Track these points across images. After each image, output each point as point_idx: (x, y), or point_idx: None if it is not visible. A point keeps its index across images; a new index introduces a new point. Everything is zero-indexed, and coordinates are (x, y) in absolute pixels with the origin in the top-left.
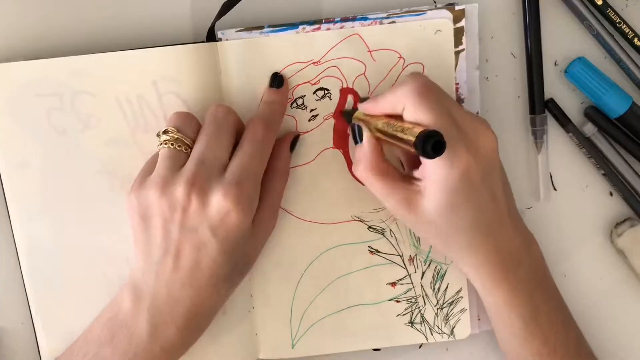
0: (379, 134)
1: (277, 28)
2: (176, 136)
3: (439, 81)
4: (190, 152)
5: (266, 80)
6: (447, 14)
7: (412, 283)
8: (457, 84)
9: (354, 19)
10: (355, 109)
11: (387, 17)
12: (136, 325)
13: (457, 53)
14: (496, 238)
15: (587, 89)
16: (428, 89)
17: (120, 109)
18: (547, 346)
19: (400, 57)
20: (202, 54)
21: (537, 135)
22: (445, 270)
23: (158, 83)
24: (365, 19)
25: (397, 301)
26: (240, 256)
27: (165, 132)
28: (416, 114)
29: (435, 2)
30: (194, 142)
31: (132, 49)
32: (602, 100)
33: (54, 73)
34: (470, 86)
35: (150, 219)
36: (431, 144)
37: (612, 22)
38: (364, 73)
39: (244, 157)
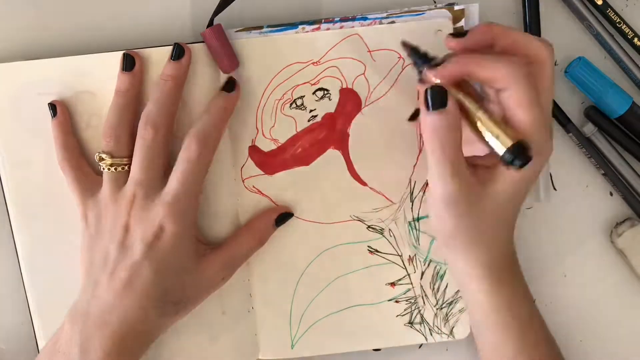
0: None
1: (277, 28)
2: (110, 161)
3: None
4: (127, 169)
5: (266, 80)
6: (446, 14)
7: (411, 283)
8: None
9: (353, 19)
10: (425, 54)
11: (386, 17)
12: (70, 350)
13: None
14: (510, 234)
15: (587, 89)
16: (535, 78)
17: None
18: (538, 350)
19: (400, 57)
20: (201, 54)
21: None
22: (445, 270)
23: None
24: (365, 19)
25: (397, 301)
26: (174, 285)
27: (101, 159)
28: (521, 108)
29: (435, 2)
30: (128, 158)
31: (133, 48)
32: (602, 100)
33: (56, 73)
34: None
35: (97, 239)
36: (520, 159)
37: (612, 22)
38: (364, 73)
39: (177, 178)
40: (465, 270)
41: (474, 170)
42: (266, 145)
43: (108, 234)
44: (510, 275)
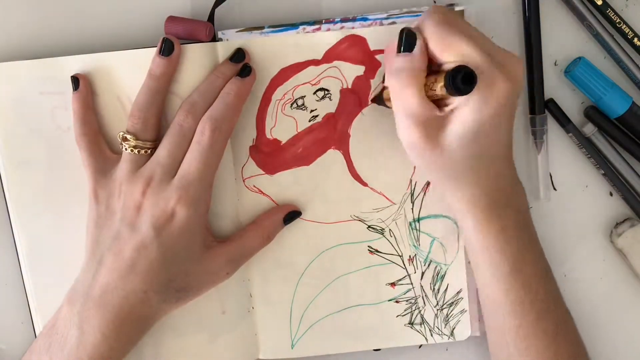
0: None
1: (277, 28)
2: (134, 143)
3: None
4: (149, 152)
5: (267, 80)
6: None
7: (411, 283)
8: None
9: (354, 19)
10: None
11: (387, 18)
12: (67, 331)
13: None
14: (497, 173)
15: (587, 89)
16: (449, 18)
17: (122, 108)
18: (530, 294)
19: None
20: (202, 54)
21: (537, 135)
22: (446, 271)
23: None
24: (366, 19)
25: (397, 302)
26: (178, 271)
27: (125, 139)
28: (441, 46)
29: (435, 2)
30: (152, 142)
31: (134, 48)
32: (602, 100)
33: (58, 72)
34: None
35: (106, 218)
36: (461, 77)
37: (612, 22)
38: (364, 73)
39: (190, 162)
40: (453, 206)
41: (440, 110)
42: (267, 145)
43: (119, 213)
44: (500, 211)
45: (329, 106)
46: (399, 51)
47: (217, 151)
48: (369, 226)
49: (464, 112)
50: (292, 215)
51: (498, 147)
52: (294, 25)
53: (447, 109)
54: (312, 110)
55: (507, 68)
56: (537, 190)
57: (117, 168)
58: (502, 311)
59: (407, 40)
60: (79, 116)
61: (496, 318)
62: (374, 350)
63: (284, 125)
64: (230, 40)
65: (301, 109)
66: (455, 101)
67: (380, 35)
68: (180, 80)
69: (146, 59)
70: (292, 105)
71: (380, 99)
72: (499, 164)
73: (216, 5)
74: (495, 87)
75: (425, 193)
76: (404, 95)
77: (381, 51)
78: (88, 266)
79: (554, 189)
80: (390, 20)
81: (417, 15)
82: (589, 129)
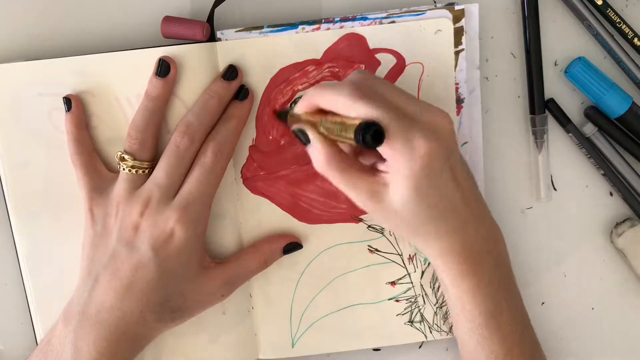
0: (324, 132)
1: (277, 28)
2: (132, 163)
3: (439, 81)
4: (147, 172)
5: (266, 80)
6: (447, 13)
7: (411, 282)
8: (457, 83)
9: (353, 18)
10: (287, 107)
11: (386, 17)
12: (62, 348)
13: (457, 53)
14: (464, 225)
15: (587, 89)
16: (362, 83)
17: (121, 109)
18: (504, 346)
19: (401, 57)
20: (201, 54)
21: (538, 135)
22: None
23: None
24: (365, 18)
25: (397, 300)
26: (175, 292)
27: (122, 159)
28: (352, 109)
29: (435, 2)
30: (149, 162)
31: (133, 49)
32: (602, 100)
33: (56, 73)
34: (470, 86)
35: (102, 237)
36: (370, 133)
37: (612, 22)
38: None
39: (192, 183)
40: (429, 259)
41: (369, 177)
42: (267, 145)
43: (116, 232)
44: (474, 267)
45: None
46: (305, 144)
47: (219, 173)
48: (369, 226)
49: (396, 179)
50: (293, 246)
51: (448, 200)
52: (293, 25)
53: (381, 175)
54: None
55: (427, 125)
56: (538, 190)
57: (114, 187)
58: None
59: (303, 136)
60: (73, 137)
61: None
62: (374, 349)
63: (283, 126)
64: (229, 41)
65: None
66: (387, 165)
67: (379, 34)
68: (178, 81)
69: (145, 59)
70: (291, 104)
71: (284, 116)
72: (463, 214)
73: (215, 5)
74: (415, 145)
75: None
76: (332, 178)
77: (381, 50)
78: (83, 284)
79: (554, 189)
80: (390, 20)
81: (417, 15)
82: (589, 129)
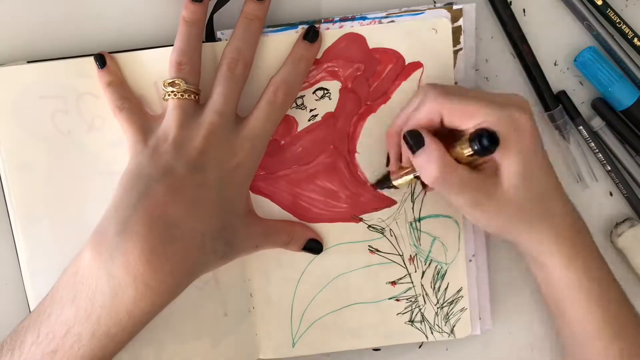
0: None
1: (276, 28)
2: (185, 87)
3: (439, 80)
4: (198, 99)
5: (266, 80)
6: (445, 13)
7: (412, 282)
8: (455, 82)
9: (353, 18)
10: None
11: (386, 17)
12: (96, 281)
13: (455, 52)
14: (564, 202)
15: (596, 78)
16: (445, 88)
17: None
18: (629, 315)
19: (400, 56)
20: (202, 54)
21: (561, 127)
22: (446, 270)
23: (158, 84)
24: (365, 18)
25: (397, 300)
26: (230, 222)
27: (172, 84)
28: (458, 117)
29: (434, 1)
30: (198, 89)
31: (134, 49)
32: (610, 90)
33: (58, 75)
34: (468, 85)
35: (152, 156)
36: (486, 139)
37: (612, 22)
38: (363, 72)
39: (260, 118)
40: (533, 250)
41: (479, 174)
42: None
43: (174, 152)
44: (578, 247)
45: (329, 105)
46: (413, 153)
47: (284, 112)
48: (369, 226)
49: (507, 164)
50: (315, 245)
51: (552, 179)
52: (292, 25)
53: (486, 167)
54: (311, 110)
55: (518, 107)
56: (582, 179)
57: (165, 119)
58: (601, 341)
59: (414, 139)
60: (116, 82)
61: (592, 350)
62: (374, 349)
63: (283, 125)
64: None
65: (300, 108)
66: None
67: (379, 34)
68: None
69: (147, 60)
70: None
71: (384, 182)
72: (561, 195)
73: (215, 10)
74: (520, 127)
75: (425, 192)
76: (443, 181)
77: (381, 49)
78: (121, 202)
79: (593, 174)
80: (389, 19)
81: (416, 15)
82: (597, 123)
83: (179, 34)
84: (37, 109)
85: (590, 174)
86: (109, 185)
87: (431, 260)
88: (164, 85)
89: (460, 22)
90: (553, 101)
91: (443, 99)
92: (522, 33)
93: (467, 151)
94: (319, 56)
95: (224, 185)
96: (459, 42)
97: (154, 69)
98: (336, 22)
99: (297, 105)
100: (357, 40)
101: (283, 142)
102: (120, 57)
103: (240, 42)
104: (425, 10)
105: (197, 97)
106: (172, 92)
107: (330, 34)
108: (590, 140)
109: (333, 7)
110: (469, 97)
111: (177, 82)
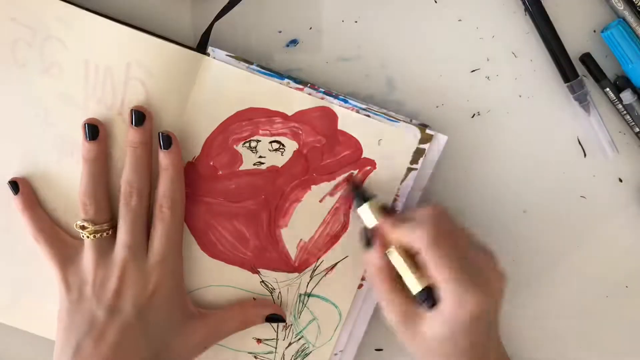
0: (390, 251)
1: (265, 70)
2: (93, 229)
3: (384, 185)
4: (110, 232)
5: (232, 111)
6: (416, 131)
7: (275, 348)
8: (397, 195)
9: (336, 96)
10: (368, 195)
11: (364, 109)
12: None
13: (409, 169)
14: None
15: (622, 51)
16: (443, 235)
17: (85, 72)
18: None
19: (360, 147)
20: (185, 59)
21: (581, 99)
22: (310, 352)
23: (132, 66)
24: (346, 101)
25: (255, 357)
26: (163, 345)
27: (83, 227)
28: (431, 265)
29: (411, 120)
30: (109, 222)
31: (128, 23)
32: (634, 66)
33: (40, 9)
34: (408, 204)
35: (79, 304)
36: (431, 301)
37: (633, 4)
38: (322, 146)
39: (160, 239)
40: None
41: (416, 307)
42: (205, 169)
43: (94, 299)
44: None
45: (278, 160)
46: (364, 247)
47: (180, 221)
48: (262, 281)
49: (438, 320)
50: (277, 317)
51: (481, 344)
52: (280, 75)
53: (422, 308)
54: (260, 157)
55: (483, 284)
56: (603, 150)
57: (83, 257)
58: None
59: (367, 240)
60: (30, 215)
61: None
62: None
63: (228, 158)
64: (217, 60)
65: (251, 150)
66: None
67: (351, 120)
68: (153, 74)
69: (130, 38)
70: (244, 143)
71: (358, 195)
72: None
73: (216, 19)
74: (468, 300)
75: (326, 274)
76: (376, 284)
77: (346, 134)
78: (62, 352)
79: (614, 145)
80: (366, 113)
81: (390, 121)
82: (627, 97)
83: (82, 173)
84: (3, 28)
85: (612, 145)
86: (40, 132)
87: (302, 336)
88: (75, 227)
89: (426, 146)
90: (572, 72)
91: (430, 249)
92: (543, 8)
93: (416, 286)
94: (288, 113)
95: (144, 317)
96: (416, 163)
97: (133, 50)
98: (320, 92)
99: (250, 146)
100: (330, 116)
101: (221, 172)
102: (109, 23)
103: (131, 174)
104: (400, 121)
105: (109, 232)
106: (84, 234)
107: (311, 100)
108: (618, 102)
109: (326, 77)
110: (450, 264)
111: (85, 225)
